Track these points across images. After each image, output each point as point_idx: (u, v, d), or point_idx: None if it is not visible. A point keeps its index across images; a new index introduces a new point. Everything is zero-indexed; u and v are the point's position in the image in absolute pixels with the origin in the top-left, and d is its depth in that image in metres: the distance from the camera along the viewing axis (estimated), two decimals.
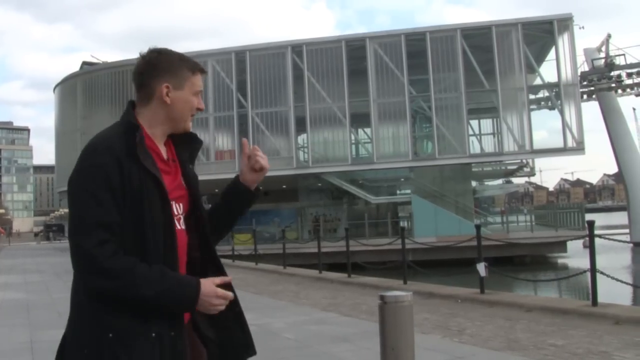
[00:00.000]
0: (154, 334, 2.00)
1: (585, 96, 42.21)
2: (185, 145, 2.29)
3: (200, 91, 2.24)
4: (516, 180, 53.39)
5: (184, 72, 2.19)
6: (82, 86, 43.17)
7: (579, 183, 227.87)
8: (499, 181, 53.83)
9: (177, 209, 2.17)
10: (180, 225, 2.17)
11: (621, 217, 52.80)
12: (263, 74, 37.39)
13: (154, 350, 1.99)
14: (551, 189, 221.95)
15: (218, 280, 2.11)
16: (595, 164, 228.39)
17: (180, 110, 2.20)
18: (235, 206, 2.43)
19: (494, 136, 40.77)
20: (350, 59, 36.45)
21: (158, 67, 2.17)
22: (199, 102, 2.24)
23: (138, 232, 2.02)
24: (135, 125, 2.11)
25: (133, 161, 2.03)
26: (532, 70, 36.60)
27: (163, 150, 2.21)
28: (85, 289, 2.02)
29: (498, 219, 42.66)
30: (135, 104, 2.21)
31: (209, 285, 2.06)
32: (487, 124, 43.26)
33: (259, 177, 2.42)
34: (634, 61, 42.68)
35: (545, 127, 49.84)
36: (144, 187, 2.03)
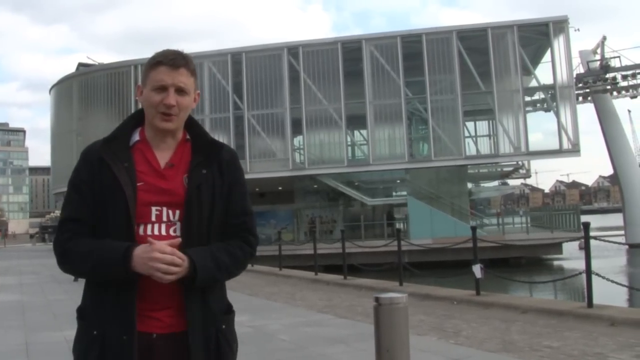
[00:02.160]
0: (95, 332, 2.09)
1: (580, 98, 42.32)
2: (202, 148, 2.24)
3: (161, 85, 2.12)
4: (512, 182, 53.58)
5: (146, 69, 2.19)
6: (78, 87, 43.09)
7: (574, 185, 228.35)
8: (495, 183, 53.97)
9: (168, 214, 2.15)
10: (169, 231, 2.15)
11: (616, 219, 52.90)
12: (259, 75, 37.38)
13: (92, 347, 2.09)
14: (547, 190, 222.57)
15: (168, 242, 2.05)
16: (590, 165, 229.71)
17: (147, 108, 2.19)
18: None
19: (490, 138, 40.81)
20: (346, 61, 36.45)
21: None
22: (165, 97, 2.12)
23: (105, 233, 2.12)
24: (119, 129, 2.23)
25: (104, 165, 2.13)
26: (527, 72, 36.65)
27: (164, 154, 2.20)
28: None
29: (494, 220, 42.69)
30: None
31: (144, 244, 2.04)
32: (482, 126, 43.30)
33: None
34: (629, 63, 42.83)
35: (540, 129, 50.09)
36: (110, 190, 2.11)
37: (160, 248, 2.01)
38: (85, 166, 2.18)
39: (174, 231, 2.14)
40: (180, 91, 2.14)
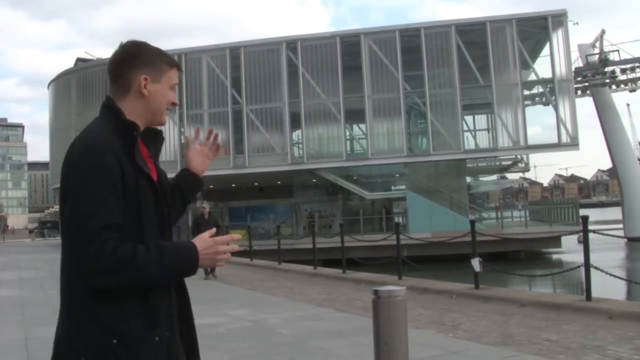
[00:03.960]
0: (157, 338, 1.98)
1: (579, 92, 42.31)
2: (152, 141, 2.24)
3: (175, 85, 2.23)
4: (511, 175, 53.65)
5: (162, 65, 2.17)
6: (77, 83, 43.01)
7: (573, 179, 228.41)
8: (494, 177, 54.03)
9: None
10: None
11: (615, 213, 52.94)
12: (258, 70, 37.33)
13: (158, 355, 1.98)
14: (545, 184, 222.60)
15: (207, 233, 2.13)
16: (589, 159, 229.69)
17: (157, 103, 2.17)
18: (187, 195, 2.46)
19: (489, 132, 40.77)
20: (344, 55, 36.39)
21: (137, 57, 2.14)
22: (174, 96, 2.23)
23: (136, 231, 1.99)
24: (133, 124, 2.08)
25: (129, 160, 2.02)
26: (526, 66, 36.61)
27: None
28: (87, 291, 1.93)
29: (492, 214, 42.77)
30: (110, 98, 2.17)
31: (203, 240, 2.08)
32: (481, 120, 43.27)
33: (206, 166, 2.52)
34: (628, 57, 42.81)
35: (539, 122, 50.08)
36: (140, 187, 2.02)
37: (223, 240, 2.11)
38: (114, 161, 1.97)
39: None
40: None
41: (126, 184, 1.98)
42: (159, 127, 2.27)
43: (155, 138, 2.25)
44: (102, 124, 2.08)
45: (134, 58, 2.14)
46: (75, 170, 1.97)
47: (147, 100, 2.14)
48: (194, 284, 13.83)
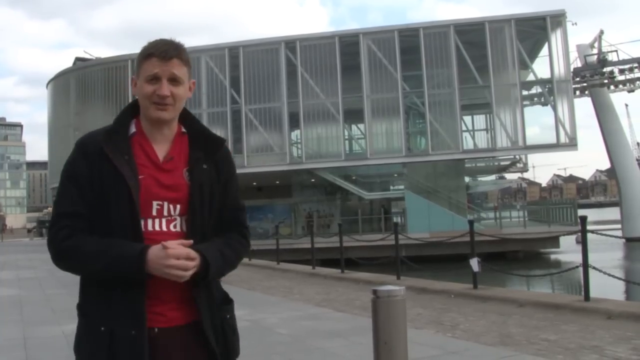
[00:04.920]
0: (102, 329, 2.03)
1: (578, 92, 42.36)
2: (201, 143, 2.23)
3: (153, 75, 2.10)
4: (509, 176, 53.67)
5: (138, 61, 2.15)
6: (75, 82, 43.02)
7: (571, 179, 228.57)
8: (492, 177, 54.05)
9: (169, 209, 2.13)
10: (169, 226, 2.13)
11: (613, 213, 52.98)
12: (256, 69, 37.33)
13: (100, 345, 2.02)
14: (544, 184, 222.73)
15: (175, 242, 2.03)
16: (587, 159, 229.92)
17: (141, 100, 2.16)
18: None
19: (487, 132, 40.81)
20: (343, 55, 36.40)
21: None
22: (158, 88, 2.10)
23: (106, 228, 2.06)
24: (118, 122, 2.15)
25: (104, 158, 2.06)
26: (525, 66, 36.64)
27: (161, 147, 2.17)
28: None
29: (491, 214, 42.75)
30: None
31: (159, 249, 2.00)
32: (480, 120, 43.33)
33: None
34: (627, 57, 42.88)
35: (538, 123, 50.03)
36: (112, 184, 2.05)
37: (175, 254, 2.00)
38: (83, 158, 2.09)
39: (174, 226, 2.13)
40: (174, 81, 2.12)
41: (95, 179, 2.07)
42: (210, 132, 2.28)
43: (205, 141, 2.24)
44: (111, 124, 2.20)
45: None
46: None
47: (139, 99, 2.18)
48: None
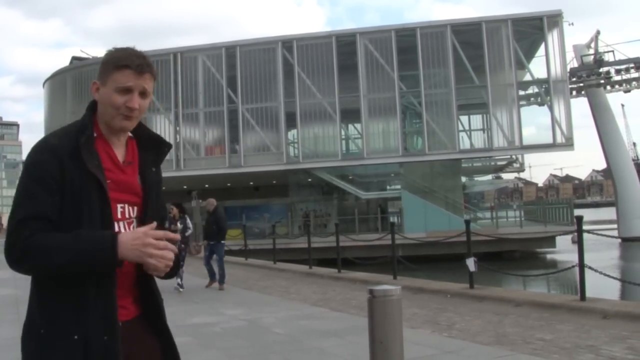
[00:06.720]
0: (76, 337, 1.97)
1: (574, 92, 42.45)
2: (152, 148, 2.27)
3: (127, 88, 2.10)
4: (505, 175, 53.66)
5: (108, 68, 2.13)
6: (72, 81, 42.91)
7: (567, 179, 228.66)
8: (489, 177, 54.08)
9: (129, 211, 2.16)
10: (129, 228, 2.15)
11: (609, 213, 53.07)
12: (253, 69, 37.29)
13: (75, 353, 1.97)
14: (540, 184, 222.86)
15: (147, 227, 2.04)
16: (584, 159, 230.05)
17: (104, 107, 2.14)
18: None
19: (484, 132, 40.86)
20: (340, 55, 36.37)
21: (101, 64, 2.17)
22: (129, 100, 2.10)
23: (74, 227, 2.01)
24: (85, 125, 2.11)
25: (76, 161, 2.03)
26: (521, 66, 36.66)
27: (119, 151, 2.18)
28: (33, 280, 2.07)
29: (487, 214, 42.77)
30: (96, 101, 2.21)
31: (133, 231, 2.03)
32: (476, 120, 43.34)
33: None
34: (623, 58, 42.97)
35: (534, 123, 50.17)
36: (84, 188, 2.02)
37: (154, 233, 2.02)
38: (52, 160, 2.01)
39: (133, 228, 2.17)
40: (143, 94, 2.14)
41: (66, 182, 2.01)
42: (161, 137, 2.32)
43: (156, 145, 2.29)
44: (72, 124, 2.15)
45: (101, 64, 2.17)
46: (23, 166, 2.12)
47: (100, 104, 2.16)
48: (194, 285, 13.76)
